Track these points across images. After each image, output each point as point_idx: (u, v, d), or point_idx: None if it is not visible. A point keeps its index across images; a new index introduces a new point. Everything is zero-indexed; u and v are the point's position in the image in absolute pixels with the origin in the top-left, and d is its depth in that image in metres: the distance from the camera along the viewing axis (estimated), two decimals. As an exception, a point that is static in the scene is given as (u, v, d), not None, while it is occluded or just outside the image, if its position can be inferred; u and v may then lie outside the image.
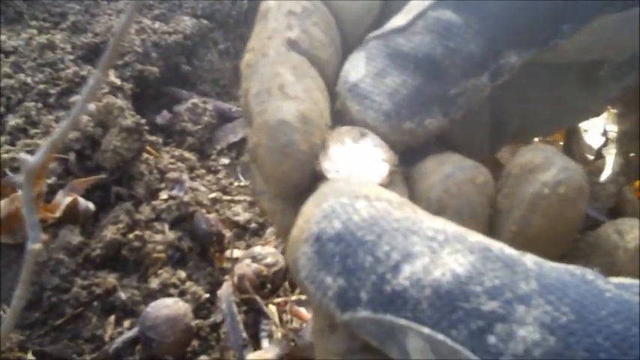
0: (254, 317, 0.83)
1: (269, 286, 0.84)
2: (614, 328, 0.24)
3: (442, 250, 0.28)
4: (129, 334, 0.80)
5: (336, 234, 0.30)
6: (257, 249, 0.88)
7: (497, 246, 0.28)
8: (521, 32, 0.39)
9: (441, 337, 0.26)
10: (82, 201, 0.87)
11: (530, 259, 0.27)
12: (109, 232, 0.86)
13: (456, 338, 0.26)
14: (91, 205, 0.89)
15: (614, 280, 0.26)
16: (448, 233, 0.29)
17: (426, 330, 0.26)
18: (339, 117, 0.39)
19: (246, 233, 0.96)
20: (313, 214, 0.31)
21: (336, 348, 0.33)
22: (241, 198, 1.02)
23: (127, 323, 0.82)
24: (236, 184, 1.05)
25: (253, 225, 0.97)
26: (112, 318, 0.82)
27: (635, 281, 0.26)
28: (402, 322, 0.27)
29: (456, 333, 0.26)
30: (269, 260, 0.85)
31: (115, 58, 0.36)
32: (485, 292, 0.26)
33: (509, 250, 0.28)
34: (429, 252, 0.28)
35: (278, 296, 0.85)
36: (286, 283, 0.86)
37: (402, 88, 0.37)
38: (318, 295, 0.30)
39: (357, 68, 0.38)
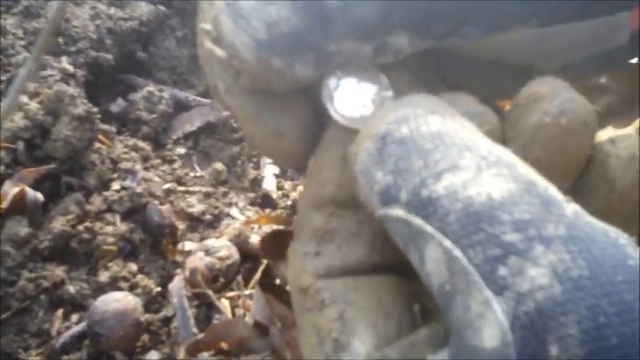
0: (206, 311, 0.82)
1: (222, 279, 0.83)
2: (623, 296, 0.23)
3: (488, 170, 0.28)
4: (77, 329, 0.78)
5: (400, 138, 0.30)
6: (210, 242, 0.86)
7: (544, 185, 0.27)
8: (419, 19, 0.37)
9: (457, 253, 0.26)
10: (30, 191, 0.85)
11: (571, 208, 0.26)
12: (58, 224, 0.84)
13: (472, 259, 0.25)
14: (39, 196, 0.87)
15: None
16: (501, 158, 0.28)
17: (447, 243, 0.26)
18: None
19: (201, 225, 0.95)
20: (387, 115, 0.32)
21: (315, 270, 0.34)
22: (196, 189, 1.00)
23: (74, 317, 0.80)
24: (192, 174, 1.04)
25: (208, 217, 0.95)
26: (60, 312, 0.80)
27: None
28: (429, 229, 0.27)
29: (472, 254, 0.26)
30: (222, 253, 0.84)
31: (48, 45, 0.35)
32: (512, 222, 0.25)
33: (555, 193, 0.27)
34: (475, 168, 0.28)
35: (231, 290, 0.84)
36: (239, 277, 0.85)
37: (283, 24, 0.34)
38: (366, 189, 0.31)
39: None
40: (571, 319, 0.23)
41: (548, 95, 0.34)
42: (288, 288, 0.73)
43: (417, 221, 0.28)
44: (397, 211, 0.29)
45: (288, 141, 0.38)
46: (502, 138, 0.36)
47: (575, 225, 0.25)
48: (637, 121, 0.76)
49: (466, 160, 0.28)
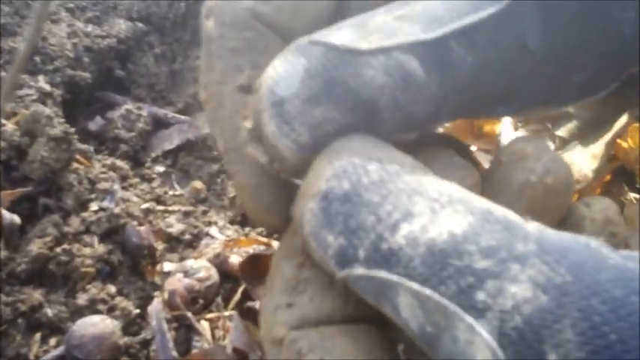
0: (185, 334, 0.81)
1: (201, 301, 0.82)
2: (613, 293, 0.24)
3: (442, 211, 0.28)
4: (55, 353, 0.77)
5: (343, 194, 0.30)
6: (189, 262, 0.86)
7: (501, 211, 0.28)
8: (464, 106, 0.37)
9: (428, 292, 0.26)
10: (6, 214, 0.84)
11: (533, 226, 0.27)
12: (36, 246, 0.83)
13: (444, 294, 0.26)
14: (16, 218, 0.86)
15: (623, 252, 0.26)
16: (453, 196, 0.29)
17: (415, 286, 0.27)
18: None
19: (180, 245, 0.94)
20: (325, 170, 0.32)
21: (288, 321, 0.33)
22: (176, 208, 1.00)
23: (53, 341, 0.79)
24: (171, 192, 1.03)
25: (187, 236, 0.95)
26: (38, 336, 0.79)
27: None
28: (394, 278, 0.28)
29: (444, 289, 0.26)
30: (202, 274, 0.84)
31: (25, 65, 0.34)
32: (479, 251, 0.26)
33: (513, 216, 0.28)
34: (430, 212, 0.28)
35: (210, 312, 0.83)
36: (219, 299, 0.85)
37: (329, 125, 0.33)
38: (319, 252, 0.31)
39: (290, 79, 0.33)
40: (565, 324, 0.23)
41: (533, 154, 0.35)
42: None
43: (381, 274, 0.28)
44: (358, 270, 0.29)
45: (277, 218, 0.38)
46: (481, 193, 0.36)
47: (543, 239, 0.26)
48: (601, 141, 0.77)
49: (419, 205, 0.28)
